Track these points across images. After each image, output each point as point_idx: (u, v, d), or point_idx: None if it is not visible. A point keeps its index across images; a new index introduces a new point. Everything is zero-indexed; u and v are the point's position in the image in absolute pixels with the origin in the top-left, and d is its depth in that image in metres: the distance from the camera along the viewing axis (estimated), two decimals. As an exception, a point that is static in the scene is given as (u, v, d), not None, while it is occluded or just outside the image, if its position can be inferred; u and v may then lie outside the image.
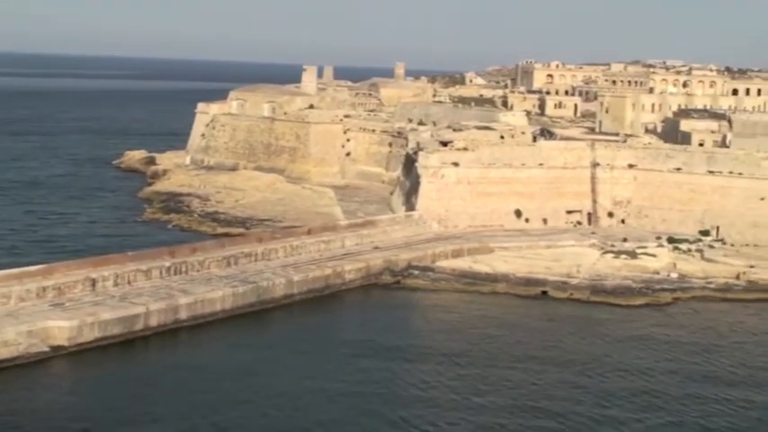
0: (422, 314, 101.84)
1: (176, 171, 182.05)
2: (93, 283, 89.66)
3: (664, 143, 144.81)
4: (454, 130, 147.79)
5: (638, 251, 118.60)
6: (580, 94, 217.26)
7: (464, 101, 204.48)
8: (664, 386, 79.73)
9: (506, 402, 74.70)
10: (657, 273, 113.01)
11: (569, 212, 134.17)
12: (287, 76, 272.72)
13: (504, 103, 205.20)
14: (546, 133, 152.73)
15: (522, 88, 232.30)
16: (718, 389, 79.53)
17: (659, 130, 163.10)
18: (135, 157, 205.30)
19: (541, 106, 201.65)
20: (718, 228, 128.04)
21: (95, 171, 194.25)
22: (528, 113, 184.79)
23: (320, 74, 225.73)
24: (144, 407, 70.95)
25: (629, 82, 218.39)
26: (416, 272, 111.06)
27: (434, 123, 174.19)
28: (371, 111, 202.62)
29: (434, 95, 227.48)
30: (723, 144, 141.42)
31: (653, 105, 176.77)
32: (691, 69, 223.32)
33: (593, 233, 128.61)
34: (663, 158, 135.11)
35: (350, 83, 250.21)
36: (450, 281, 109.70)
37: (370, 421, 70.80)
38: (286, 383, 76.94)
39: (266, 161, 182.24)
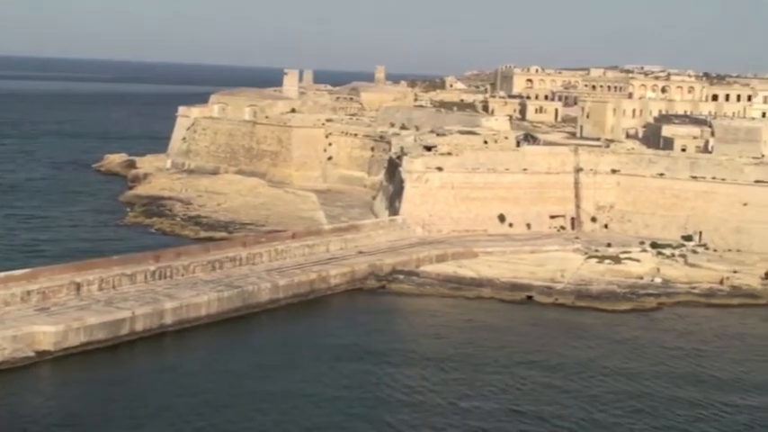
0: (408, 319, 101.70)
1: (157, 174, 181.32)
2: (78, 287, 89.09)
3: (647, 149, 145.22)
4: (437, 134, 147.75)
5: (622, 256, 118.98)
6: (560, 99, 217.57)
7: (445, 105, 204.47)
8: (651, 390, 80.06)
9: (493, 407, 74.75)
10: (641, 278, 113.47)
11: (553, 217, 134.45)
12: (268, 79, 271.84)
13: (485, 108, 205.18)
14: (529, 138, 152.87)
15: (503, 93, 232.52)
16: (705, 393, 79.86)
17: (640, 135, 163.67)
18: (115, 160, 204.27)
19: (522, 111, 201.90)
20: (701, 233, 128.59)
21: (75, 174, 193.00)
22: (510, 118, 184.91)
23: (300, 77, 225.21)
24: (130, 412, 70.58)
25: (609, 87, 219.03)
26: (401, 276, 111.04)
27: (417, 128, 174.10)
28: (353, 115, 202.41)
29: (415, 100, 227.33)
30: (705, 150, 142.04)
31: (634, 111, 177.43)
32: (669, 75, 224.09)
33: (576, 238, 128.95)
34: (646, 164, 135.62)
35: (329, 86, 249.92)
36: (436, 285, 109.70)
37: (356, 425, 70.73)
38: (272, 388, 76.72)
39: (248, 165, 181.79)
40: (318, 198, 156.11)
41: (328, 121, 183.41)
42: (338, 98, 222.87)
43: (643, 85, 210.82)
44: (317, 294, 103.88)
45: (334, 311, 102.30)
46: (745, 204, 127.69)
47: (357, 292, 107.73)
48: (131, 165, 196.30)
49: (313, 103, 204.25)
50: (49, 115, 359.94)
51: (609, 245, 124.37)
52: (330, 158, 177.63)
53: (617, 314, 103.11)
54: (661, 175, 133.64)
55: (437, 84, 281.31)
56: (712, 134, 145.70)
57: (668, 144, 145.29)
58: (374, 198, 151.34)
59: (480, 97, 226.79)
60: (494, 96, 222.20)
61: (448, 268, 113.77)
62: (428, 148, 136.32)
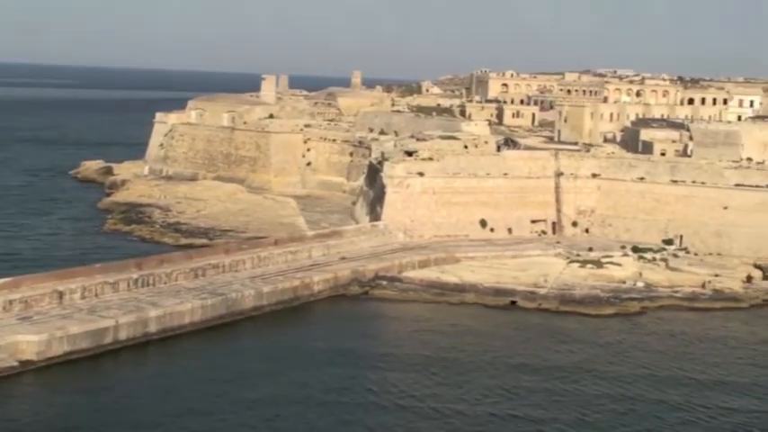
0: (391, 324, 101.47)
1: (135, 181, 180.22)
2: (61, 295, 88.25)
3: (627, 153, 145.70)
4: (418, 139, 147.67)
5: (604, 261, 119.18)
6: (535, 103, 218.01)
7: (423, 110, 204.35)
8: (635, 394, 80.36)
9: (477, 411, 74.85)
10: (624, 282, 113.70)
11: (534, 222, 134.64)
12: (243, 84, 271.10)
13: (462, 113, 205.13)
14: (510, 143, 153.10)
15: (478, 97, 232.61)
16: (688, 396, 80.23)
17: (618, 139, 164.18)
18: (92, 167, 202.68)
19: (499, 116, 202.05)
20: (681, 237, 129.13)
21: (52, 182, 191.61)
22: (488, 122, 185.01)
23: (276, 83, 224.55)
24: (115, 420, 69.97)
25: (584, 91, 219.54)
26: (384, 282, 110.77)
27: (396, 133, 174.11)
28: (331, 120, 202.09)
29: (393, 104, 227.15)
30: (684, 153, 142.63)
31: (611, 115, 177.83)
32: (644, 79, 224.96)
33: (557, 242, 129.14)
34: (626, 168, 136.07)
35: (305, 92, 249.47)
36: (419, 291, 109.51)
37: (342, 430, 70.56)
38: (257, 395, 76.38)
39: (226, 171, 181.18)
40: (298, 204, 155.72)
41: (306, 126, 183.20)
42: (316, 103, 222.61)
43: (618, 89, 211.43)
44: (301, 301, 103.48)
45: (318, 318, 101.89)
46: (725, 208, 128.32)
47: (340, 298, 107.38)
48: (108, 171, 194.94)
49: (291, 108, 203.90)
50: (23, 121, 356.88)
51: (590, 249, 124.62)
52: (309, 164, 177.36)
53: (601, 318, 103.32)
54: (641, 179, 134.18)
55: (413, 88, 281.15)
56: (690, 138, 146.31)
57: (647, 148, 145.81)
58: (354, 203, 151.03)
59: (457, 102, 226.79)
60: (470, 101, 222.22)
61: (431, 274, 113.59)
62: (409, 154, 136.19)
